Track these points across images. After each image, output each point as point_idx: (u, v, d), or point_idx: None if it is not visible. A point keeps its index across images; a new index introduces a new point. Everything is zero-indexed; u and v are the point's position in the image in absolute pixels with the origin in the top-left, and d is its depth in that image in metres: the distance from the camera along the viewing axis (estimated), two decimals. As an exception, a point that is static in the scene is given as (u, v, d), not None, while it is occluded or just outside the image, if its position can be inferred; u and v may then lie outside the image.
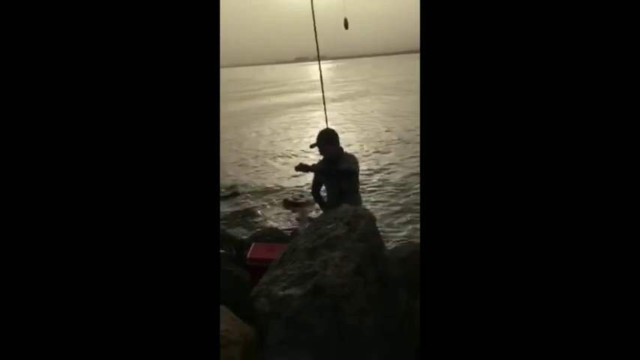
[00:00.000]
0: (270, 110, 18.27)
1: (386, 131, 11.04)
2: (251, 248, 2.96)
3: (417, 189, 5.94)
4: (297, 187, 6.52)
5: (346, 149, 3.14)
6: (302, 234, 2.06)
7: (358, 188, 3.13)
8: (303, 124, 13.41)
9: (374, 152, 8.77)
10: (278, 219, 5.34)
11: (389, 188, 6.25)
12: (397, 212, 5.25)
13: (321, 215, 2.21)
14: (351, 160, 2.99)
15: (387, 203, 5.63)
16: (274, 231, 4.11)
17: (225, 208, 5.71)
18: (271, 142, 11.12)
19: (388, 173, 7.09)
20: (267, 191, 6.60)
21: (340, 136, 3.10)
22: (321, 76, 4.05)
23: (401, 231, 4.69)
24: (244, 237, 4.11)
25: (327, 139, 3.01)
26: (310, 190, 3.41)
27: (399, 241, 4.31)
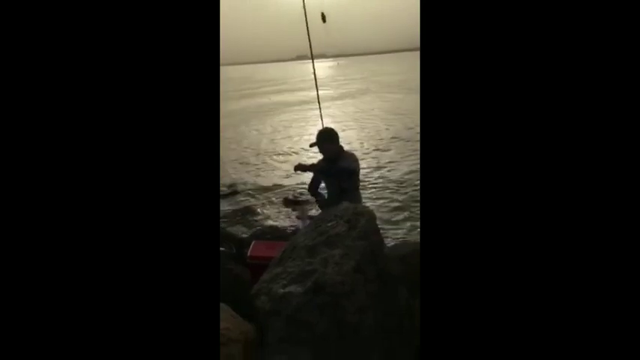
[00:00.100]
0: (270, 108, 18.27)
1: (386, 129, 11.04)
2: (251, 246, 2.97)
3: (416, 186, 5.94)
4: (297, 184, 6.53)
5: (346, 147, 3.14)
6: (302, 232, 2.06)
7: (358, 186, 3.13)
8: (304, 123, 13.41)
9: (374, 150, 8.77)
10: (278, 217, 5.35)
11: (389, 185, 6.26)
12: (396, 209, 5.26)
13: (322, 213, 2.22)
14: (351, 158, 2.99)
15: (388, 200, 5.64)
16: (274, 229, 4.12)
17: (225, 206, 5.72)
18: (272, 140, 11.13)
19: (388, 171, 7.10)
20: (267, 189, 6.60)
21: (340, 134, 3.10)
22: (315, 76, 4.06)
23: (400, 228, 4.70)
24: (244, 235, 4.12)
25: (327, 138, 3.01)
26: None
27: (397, 238, 4.32)
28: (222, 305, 1.60)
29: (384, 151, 8.64)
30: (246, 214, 5.45)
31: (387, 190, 6.03)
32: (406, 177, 6.58)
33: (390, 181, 6.48)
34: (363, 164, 5.98)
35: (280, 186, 6.68)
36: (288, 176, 7.08)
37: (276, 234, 3.70)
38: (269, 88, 31.95)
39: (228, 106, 18.76)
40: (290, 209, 5.59)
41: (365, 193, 5.23)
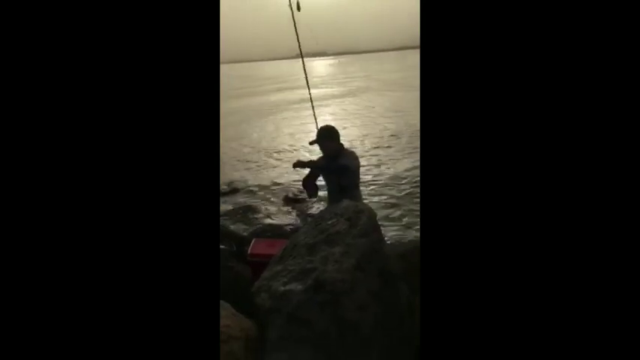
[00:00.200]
0: (271, 107, 18.25)
1: (386, 127, 11.03)
2: (252, 244, 2.97)
3: (417, 183, 5.95)
4: (297, 182, 6.53)
5: (347, 145, 3.13)
6: (303, 230, 2.06)
7: (359, 184, 3.13)
8: (304, 121, 13.40)
9: (374, 147, 8.77)
10: (278, 215, 5.35)
11: (389, 182, 6.26)
12: (394, 206, 5.27)
13: (322, 211, 2.22)
14: (351, 156, 2.99)
15: (386, 197, 5.65)
16: (275, 227, 4.12)
17: (225, 204, 5.72)
18: (272, 138, 11.12)
19: (388, 168, 7.10)
20: (267, 187, 6.60)
21: (341, 131, 3.10)
22: (305, 73, 4.06)
23: (399, 225, 4.71)
24: (245, 233, 4.12)
25: (327, 136, 3.00)
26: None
27: (396, 235, 4.32)
28: (222, 303, 1.61)
29: (385, 148, 8.64)
30: (247, 212, 5.45)
31: (387, 187, 6.03)
32: (406, 174, 6.58)
33: (390, 178, 6.48)
34: (363, 161, 5.98)
35: (280, 184, 6.68)
36: (288, 174, 7.08)
37: (277, 232, 3.71)
38: (269, 86, 31.89)
39: (228, 104, 18.73)
40: (290, 207, 5.59)
41: (365, 191, 5.24)
